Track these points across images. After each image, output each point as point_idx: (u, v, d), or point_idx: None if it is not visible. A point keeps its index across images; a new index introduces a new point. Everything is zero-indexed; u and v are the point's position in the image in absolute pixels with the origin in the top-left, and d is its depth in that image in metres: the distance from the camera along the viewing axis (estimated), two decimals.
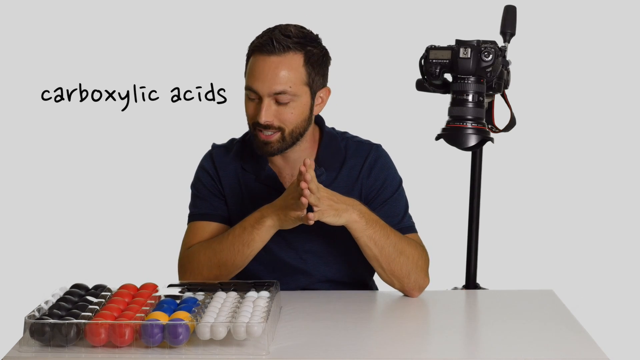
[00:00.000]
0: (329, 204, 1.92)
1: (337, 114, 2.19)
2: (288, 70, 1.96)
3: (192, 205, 2.16)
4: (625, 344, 3.20)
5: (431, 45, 2.19)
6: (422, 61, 2.21)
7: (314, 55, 2.00)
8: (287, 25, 2.01)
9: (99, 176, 3.78)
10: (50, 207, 3.77)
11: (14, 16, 3.79)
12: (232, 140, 2.20)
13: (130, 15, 3.80)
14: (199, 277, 2.03)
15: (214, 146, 2.20)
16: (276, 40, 1.96)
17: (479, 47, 2.14)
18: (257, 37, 2.01)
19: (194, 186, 2.18)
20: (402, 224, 2.10)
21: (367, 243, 1.98)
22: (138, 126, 3.77)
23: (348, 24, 3.62)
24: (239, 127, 2.34)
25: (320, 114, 2.14)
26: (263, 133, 2.00)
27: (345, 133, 2.18)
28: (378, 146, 2.17)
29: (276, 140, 2.01)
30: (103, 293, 1.88)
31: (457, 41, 2.17)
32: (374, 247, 1.99)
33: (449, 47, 2.17)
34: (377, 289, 2.26)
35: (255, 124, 2.00)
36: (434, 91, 2.27)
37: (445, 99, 2.23)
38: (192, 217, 2.14)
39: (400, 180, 2.16)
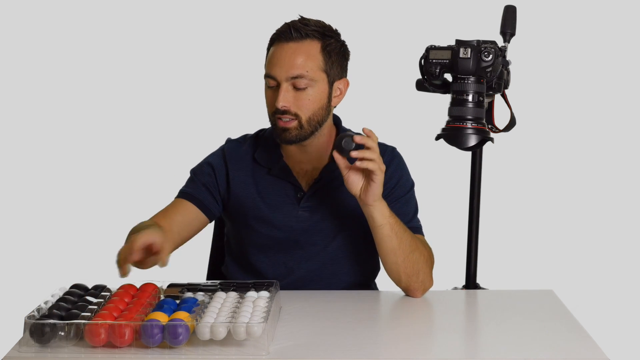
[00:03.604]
0: (382, 175, 1.92)
1: (338, 112, 2.19)
2: (305, 55, 2.00)
3: (185, 186, 2.18)
4: (625, 344, 3.20)
5: (431, 45, 2.19)
6: (422, 61, 2.21)
7: (332, 44, 2.04)
8: (306, 17, 2.06)
9: (99, 176, 3.79)
10: (50, 207, 3.77)
11: (14, 16, 3.79)
12: (246, 136, 2.22)
13: (130, 16, 3.80)
14: None
15: (228, 140, 2.22)
16: (294, 28, 2.01)
17: (479, 47, 2.14)
18: (276, 30, 2.06)
19: (193, 171, 2.19)
20: (411, 223, 2.11)
21: (388, 232, 1.97)
22: (138, 126, 3.77)
23: (348, 24, 3.61)
24: (239, 127, 2.35)
25: (338, 114, 2.17)
26: (282, 120, 2.02)
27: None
28: (394, 148, 2.19)
29: (294, 127, 2.02)
30: (103, 293, 1.88)
31: (457, 41, 2.17)
32: (395, 237, 1.98)
33: (449, 47, 2.17)
34: (377, 289, 2.27)
35: (274, 112, 2.02)
36: (434, 91, 2.27)
37: (445, 99, 2.23)
38: (179, 194, 2.16)
39: (412, 183, 2.17)
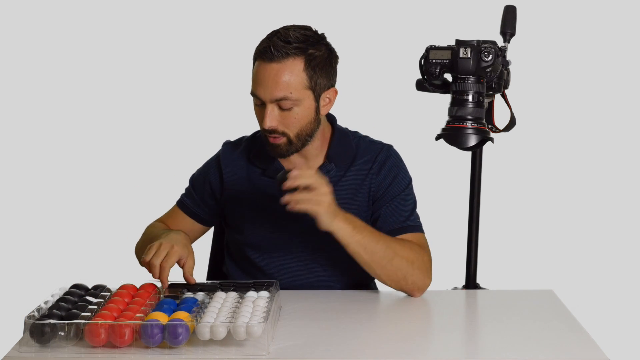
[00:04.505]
0: (327, 202, 1.91)
1: (337, 114, 2.20)
2: (289, 76, 1.96)
3: (184, 194, 2.26)
4: (625, 344, 3.20)
5: (431, 45, 2.19)
6: (422, 61, 2.21)
7: (316, 58, 2.00)
8: (288, 30, 2.00)
9: (99, 176, 3.79)
10: (50, 207, 3.77)
11: (15, 16, 3.79)
12: (242, 138, 2.24)
13: (132, 19, 3.80)
14: (136, 252, 2.22)
15: (225, 143, 2.24)
16: (274, 48, 1.96)
17: (479, 47, 2.14)
18: (260, 43, 2.01)
19: (191, 181, 2.25)
20: (408, 222, 2.11)
21: (356, 249, 1.98)
22: (138, 127, 3.77)
23: (348, 24, 3.62)
24: (239, 128, 2.35)
25: (333, 112, 2.17)
26: (271, 137, 2.02)
27: (356, 132, 2.21)
28: (390, 146, 2.18)
29: (283, 143, 2.03)
30: (102, 293, 1.88)
31: (457, 41, 2.17)
32: (364, 253, 1.98)
33: (449, 47, 2.17)
34: (377, 289, 2.27)
35: (263, 129, 2.03)
36: (434, 91, 2.27)
37: (445, 99, 2.23)
38: (178, 202, 2.26)
39: (409, 180, 2.16)
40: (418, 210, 2.17)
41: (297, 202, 1.88)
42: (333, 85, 2.07)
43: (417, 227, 2.13)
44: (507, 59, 2.24)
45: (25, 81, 3.80)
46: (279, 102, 1.98)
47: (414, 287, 2.03)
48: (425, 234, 2.14)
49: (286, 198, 1.88)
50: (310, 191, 1.88)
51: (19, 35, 3.79)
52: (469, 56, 2.13)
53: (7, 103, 3.81)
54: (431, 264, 2.07)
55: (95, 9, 3.78)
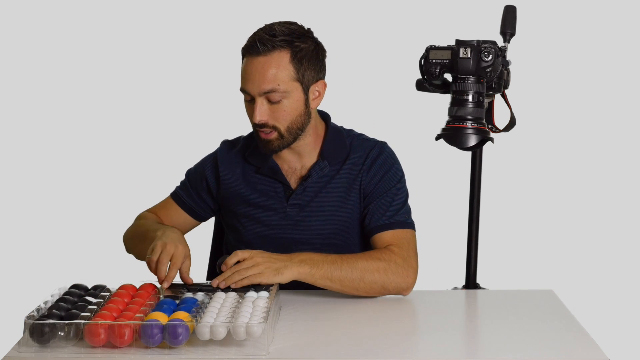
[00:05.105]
0: (266, 266, 1.93)
1: (337, 114, 2.20)
2: (275, 68, 1.99)
3: (179, 186, 2.28)
4: (625, 344, 3.20)
5: (431, 45, 2.19)
6: (422, 61, 2.21)
7: (303, 50, 2.02)
8: (273, 24, 2.03)
9: (99, 176, 3.79)
10: (50, 207, 3.77)
11: (14, 16, 3.80)
12: (240, 137, 2.26)
13: (130, 18, 3.80)
14: (125, 240, 2.24)
15: (222, 142, 2.26)
16: (260, 41, 1.99)
17: (479, 47, 2.14)
18: (247, 40, 2.04)
19: (187, 174, 2.27)
20: (394, 218, 2.10)
21: (324, 284, 1.98)
22: (137, 127, 3.77)
23: (348, 24, 3.62)
24: (237, 127, 2.35)
25: (328, 111, 2.17)
26: (262, 132, 2.04)
27: (351, 131, 2.21)
28: (383, 144, 2.18)
29: (275, 138, 2.04)
30: (102, 293, 1.88)
31: (457, 41, 2.17)
32: (332, 284, 1.99)
33: (449, 47, 2.17)
34: None
35: (254, 125, 2.04)
36: (434, 91, 2.27)
37: (445, 99, 2.23)
38: (172, 194, 2.28)
39: (400, 176, 2.16)
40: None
41: (240, 281, 1.91)
42: (322, 79, 2.08)
43: (404, 224, 2.12)
44: (507, 59, 2.24)
45: (24, 82, 3.80)
46: (267, 95, 2.00)
47: (397, 290, 2.04)
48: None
49: (223, 284, 1.91)
50: (247, 268, 1.92)
51: (16, 35, 3.79)
52: (469, 56, 2.14)
53: (6, 103, 3.81)
54: (413, 261, 2.05)
55: (93, 8, 3.78)
